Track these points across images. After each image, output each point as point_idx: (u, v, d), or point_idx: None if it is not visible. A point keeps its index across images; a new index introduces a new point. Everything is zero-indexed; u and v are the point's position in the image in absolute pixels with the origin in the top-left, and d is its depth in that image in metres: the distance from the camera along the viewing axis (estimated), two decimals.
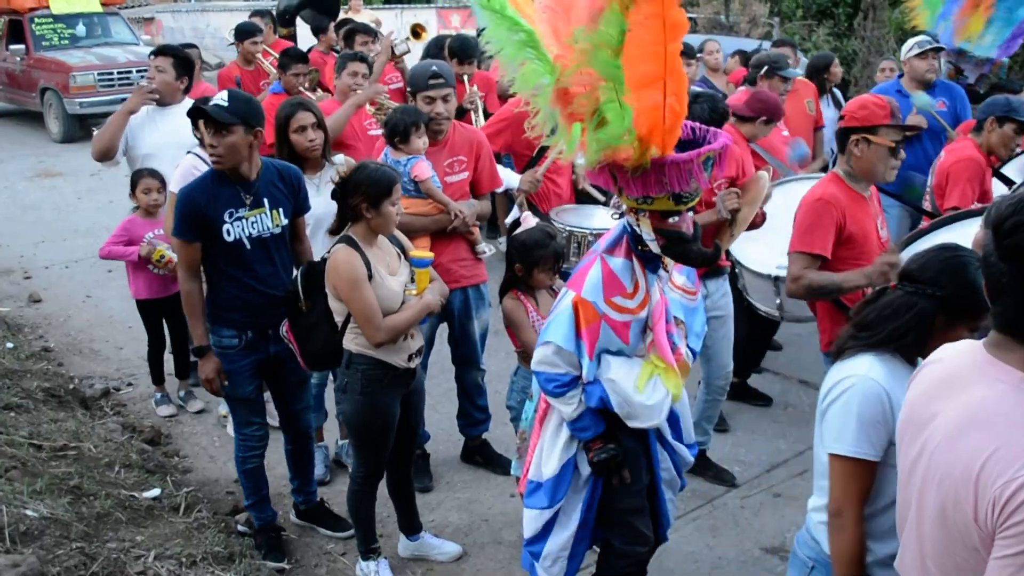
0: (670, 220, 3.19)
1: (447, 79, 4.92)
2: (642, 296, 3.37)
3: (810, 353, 6.77)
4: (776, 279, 5.12)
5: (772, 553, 4.64)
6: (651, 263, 3.40)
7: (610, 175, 3.19)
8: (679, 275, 3.67)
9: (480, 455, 5.45)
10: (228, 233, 4.19)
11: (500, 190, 5.81)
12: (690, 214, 3.24)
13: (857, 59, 11.94)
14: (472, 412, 5.42)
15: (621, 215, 3.45)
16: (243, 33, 8.90)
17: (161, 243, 5.76)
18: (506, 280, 4.47)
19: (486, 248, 5.15)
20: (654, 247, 3.27)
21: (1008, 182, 5.24)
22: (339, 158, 5.03)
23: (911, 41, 7.13)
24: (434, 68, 4.94)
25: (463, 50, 7.25)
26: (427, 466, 5.32)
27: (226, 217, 4.17)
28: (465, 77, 7.13)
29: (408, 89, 5.08)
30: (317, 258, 4.42)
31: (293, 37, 10.77)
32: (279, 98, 6.26)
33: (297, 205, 4.45)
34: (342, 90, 6.12)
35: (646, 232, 3.24)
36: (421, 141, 4.77)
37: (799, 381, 6.43)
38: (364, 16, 13.01)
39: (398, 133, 4.75)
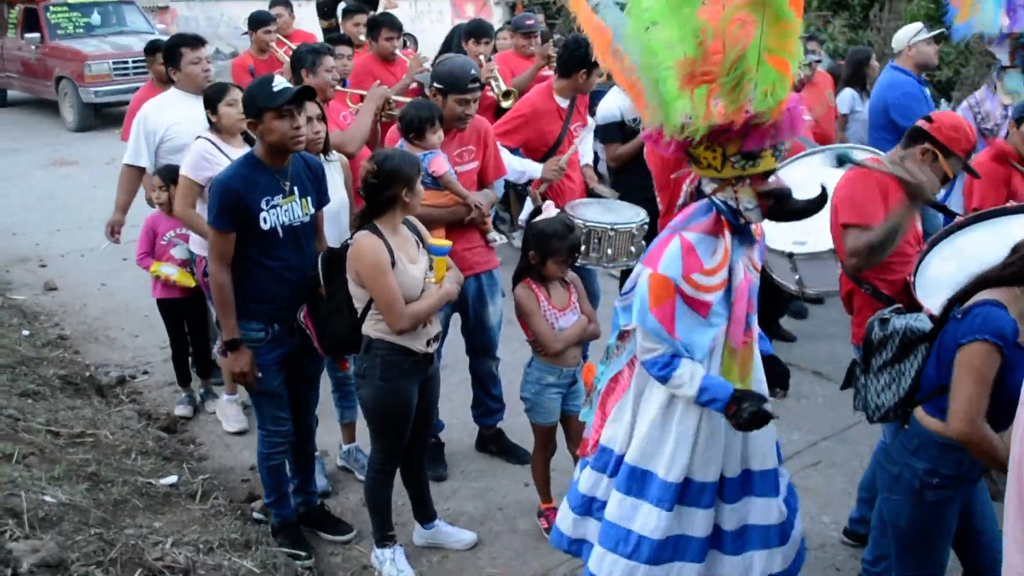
0: (771, 179, 3.25)
1: (481, 82, 4.92)
2: (724, 274, 3.35)
3: (823, 345, 6.79)
4: (791, 255, 5.11)
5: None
6: (746, 235, 3.41)
7: (684, 149, 3.22)
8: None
9: (495, 444, 5.46)
10: (264, 221, 4.14)
11: (523, 181, 5.81)
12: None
13: (872, 51, 11.88)
14: (487, 402, 5.43)
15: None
16: (256, 22, 8.84)
17: (181, 242, 5.71)
18: (520, 268, 4.50)
19: (496, 236, 5.17)
20: (755, 215, 3.29)
21: None
22: (335, 154, 4.99)
23: (913, 26, 7.10)
24: (473, 72, 4.90)
25: (480, 30, 7.62)
26: (441, 455, 5.33)
27: (263, 205, 4.13)
28: (481, 57, 7.31)
29: (437, 85, 4.91)
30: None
31: (336, 29, 10.67)
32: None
33: (320, 196, 4.44)
34: (319, 86, 5.42)
35: (747, 200, 3.26)
36: (436, 137, 4.77)
37: (812, 372, 6.42)
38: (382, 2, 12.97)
39: (413, 129, 4.74)
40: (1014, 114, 5.27)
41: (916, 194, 3.75)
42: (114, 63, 15.72)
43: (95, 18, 17.10)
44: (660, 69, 3.07)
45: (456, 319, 5.29)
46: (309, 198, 4.32)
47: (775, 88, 3.02)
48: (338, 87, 5.85)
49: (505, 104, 6.92)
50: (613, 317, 3.68)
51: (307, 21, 12.02)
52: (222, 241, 4.15)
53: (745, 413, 3.32)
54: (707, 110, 3.04)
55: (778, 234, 5.16)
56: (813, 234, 5.09)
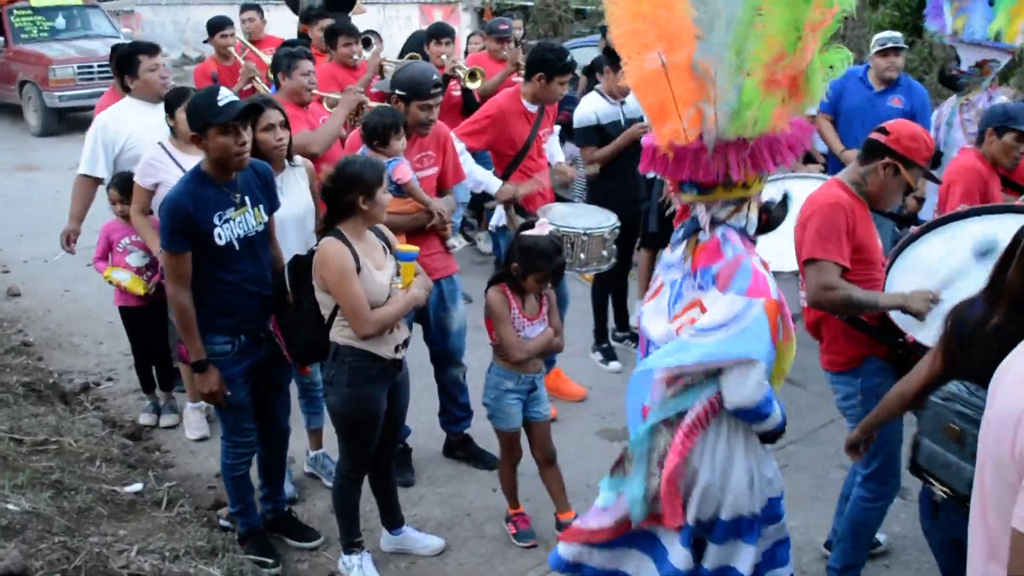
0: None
1: (443, 87, 4.92)
2: None
3: None
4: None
5: None
6: None
7: (727, 161, 3.10)
8: None
9: (462, 450, 5.45)
10: (220, 237, 4.06)
11: (480, 191, 5.84)
12: None
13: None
14: (453, 410, 5.42)
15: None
16: (214, 27, 8.77)
17: (136, 249, 5.61)
18: (499, 274, 4.51)
19: (455, 242, 5.18)
20: (752, 229, 3.30)
21: (1021, 189, 5.26)
22: (299, 160, 4.93)
23: (876, 36, 7.22)
24: (436, 77, 4.90)
25: (441, 31, 7.85)
26: (409, 460, 5.32)
27: (216, 220, 4.05)
28: (444, 56, 7.52)
29: (399, 92, 4.89)
30: (285, 260, 4.41)
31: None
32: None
33: (271, 202, 4.37)
34: (296, 90, 5.53)
35: (752, 218, 3.27)
36: (400, 143, 4.76)
37: None
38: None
39: (377, 136, 4.72)
40: (993, 122, 5.19)
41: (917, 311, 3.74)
42: (79, 67, 15.57)
43: (60, 22, 16.91)
44: (750, 65, 2.96)
45: (420, 328, 5.25)
46: (261, 206, 4.26)
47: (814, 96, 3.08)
48: (316, 91, 5.80)
49: (472, 85, 7.00)
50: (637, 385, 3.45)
51: (278, 25, 11.97)
52: (177, 263, 4.06)
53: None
54: (774, 117, 3.05)
55: (779, 254, 5.22)
56: (775, 256, 5.17)
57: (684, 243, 3.37)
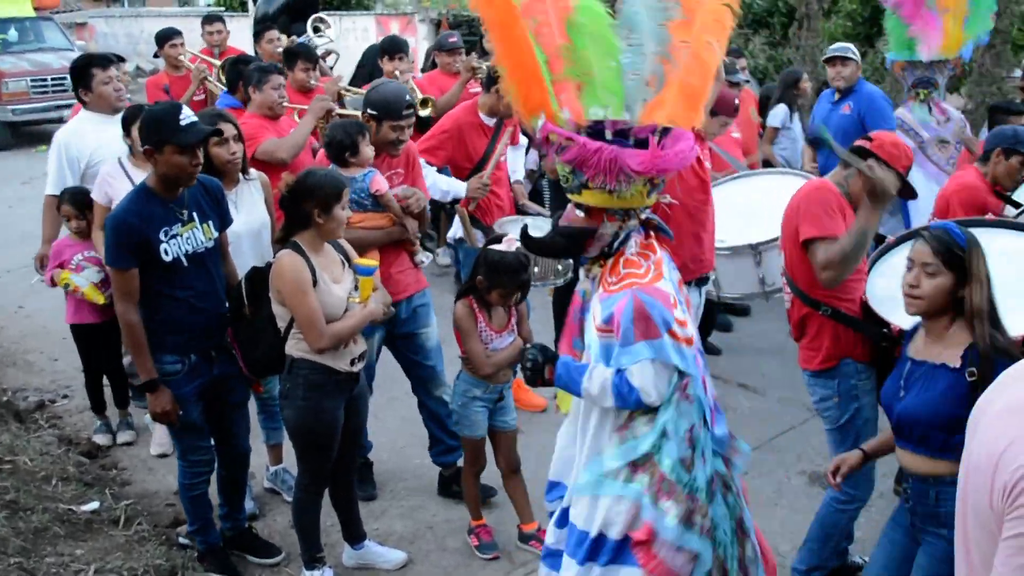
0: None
1: (416, 107, 4.88)
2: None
3: (749, 358, 6.90)
4: (752, 246, 5.31)
5: None
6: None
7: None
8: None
9: (458, 484, 5.04)
10: (166, 253, 4.01)
11: (448, 200, 5.82)
12: None
13: (803, 72, 12.19)
14: (444, 438, 5.17)
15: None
16: (161, 39, 8.68)
17: (90, 265, 5.48)
18: (466, 287, 4.50)
19: (423, 257, 5.15)
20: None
21: (1017, 205, 5.33)
22: (254, 173, 4.89)
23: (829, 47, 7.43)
24: (409, 98, 4.84)
25: (394, 46, 7.86)
26: (370, 474, 5.27)
27: (162, 236, 4.00)
28: (397, 73, 7.53)
29: (371, 111, 4.80)
30: (241, 274, 4.37)
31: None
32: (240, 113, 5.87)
33: (222, 218, 4.33)
34: (267, 103, 5.56)
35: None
36: (370, 150, 4.70)
37: (738, 385, 6.51)
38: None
39: (347, 147, 4.62)
40: (1002, 144, 5.23)
41: (879, 192, 3.72)
42: (32, 80, 15.43)
43: (12, 35, 16.73)
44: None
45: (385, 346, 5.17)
46: (210, 222, 4.21)
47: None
48: (287, 104, 5.79)
49: (423, 113, 6.94)
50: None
51: (238, 36, 11.93)
52: (124, 279, 4.00)
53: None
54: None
55: (731, 235, 5.43)
56: (732, 232, 5.26)
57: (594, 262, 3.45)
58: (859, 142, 4.06)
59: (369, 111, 4.82)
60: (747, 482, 5.21)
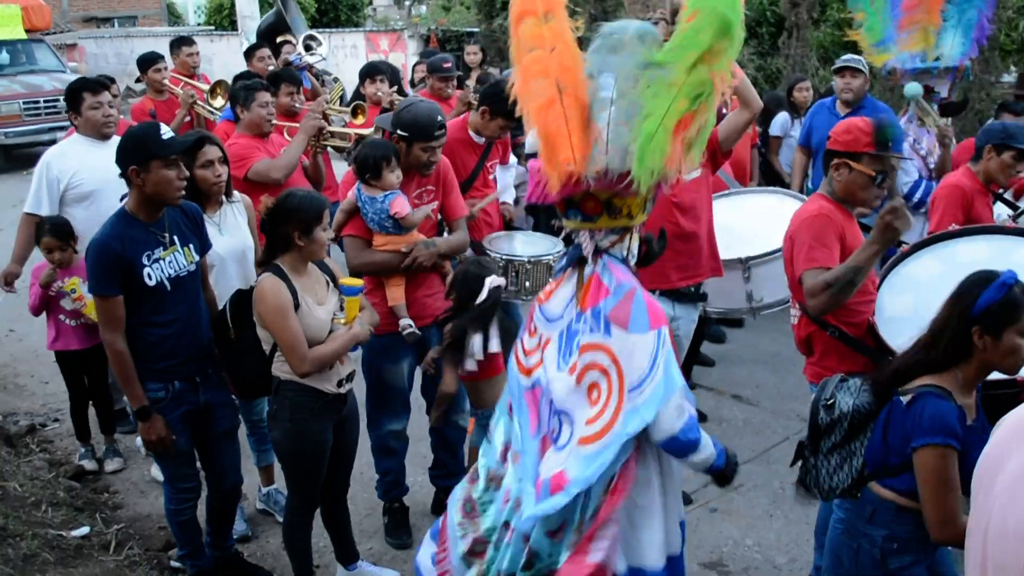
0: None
1: (446, 128, 4.78)
2: None
3: (742, 369, 6.87)
4: (743, 260, 5.34)
5: (710, 568, 4.67)
6: None
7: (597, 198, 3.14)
8: None
9: None
10: (149, 277, 3.97)
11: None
12: None
13: (781, 78, 12.15)
14: (449, 464, 5.12)
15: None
16: (144, 63, 8.58)
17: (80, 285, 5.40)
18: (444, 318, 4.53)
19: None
20: (632, 260, 3.25)
21: (1013, 206, 5.29)
22: (237, 195, 4.84)
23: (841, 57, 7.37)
24: (440, 119, 4.69)
25: (373, 69, 8.23)
26: (406, 520, 5.11)
27: (145, 260, 3.97)
28: (380, 93, 7.84)
29: (401, 133, 4.67)
30: (222, 301, 4.35)
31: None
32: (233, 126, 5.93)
33: (202, 242, 4.30)
34: (255, 122, 5.57)
35: (634, 248, 3.24)
36: (394, 175, 4.59)
37: (732, 396, 6.49)
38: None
39: (368, 168, 4.56)
40: (992, 140, 5.20)
41: (892, 235, 3.69)
42: (24, 103, 15.42)
43: (3, 57, 16.73)
44: (663, 112, 2.94)
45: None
46: (191, 245, 4.18)
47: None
48: (275, 121, 5.77)
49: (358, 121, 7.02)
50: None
51: (227, 54, 11.95)
52: (109, 307, 3.95)
53: (733, 462, 3.32)
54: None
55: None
56: (720, 247, 5.27)
57: (572, 283, 3.34)
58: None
59: (399, 132, 4.68)
60: (742, 494, 5.24)
